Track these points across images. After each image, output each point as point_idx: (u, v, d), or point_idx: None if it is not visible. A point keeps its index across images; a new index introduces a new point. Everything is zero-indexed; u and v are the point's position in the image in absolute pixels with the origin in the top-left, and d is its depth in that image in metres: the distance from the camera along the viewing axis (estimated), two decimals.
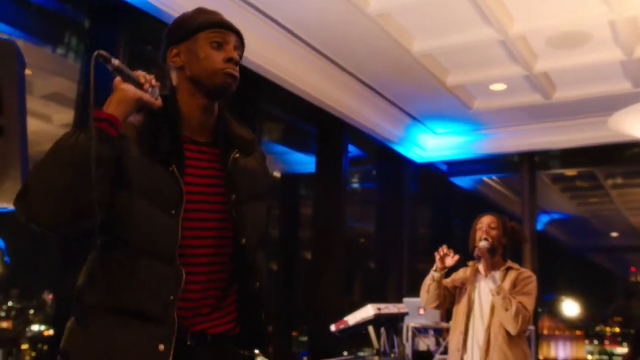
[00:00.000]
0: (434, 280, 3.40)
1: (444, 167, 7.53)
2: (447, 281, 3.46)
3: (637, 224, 11.15)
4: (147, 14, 3.87)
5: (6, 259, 2.00)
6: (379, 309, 3.52)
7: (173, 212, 1.51)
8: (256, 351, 1.82)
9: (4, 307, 7.23)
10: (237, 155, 1.67)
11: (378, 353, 3.42)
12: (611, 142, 6.02)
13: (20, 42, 1.99)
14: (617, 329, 12.39)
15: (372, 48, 4.90)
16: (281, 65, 4.76)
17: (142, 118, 1.55)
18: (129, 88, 1.48)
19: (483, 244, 3.42)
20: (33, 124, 4.83)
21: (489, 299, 3.37)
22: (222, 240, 1.63)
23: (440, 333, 5.35)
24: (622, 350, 11.27)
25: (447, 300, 3.53)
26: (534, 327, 5.40)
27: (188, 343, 1.53)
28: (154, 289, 1.48)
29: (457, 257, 3.42)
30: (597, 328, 11.17)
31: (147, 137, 1.52)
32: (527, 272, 3.49)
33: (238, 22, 1.72)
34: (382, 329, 4.56)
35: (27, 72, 1.90)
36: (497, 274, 3.40)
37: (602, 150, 6.54)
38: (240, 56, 1.66)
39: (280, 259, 6.94)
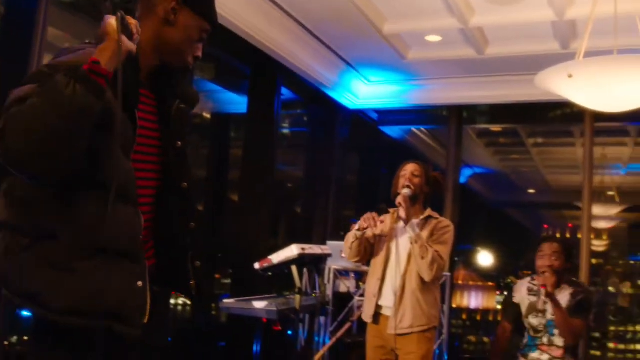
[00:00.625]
0: (356, 238, 3.48)
1: (374, 116, 7.58)
2: (368, 232, 3.54)
3: (552, 182, 11.69)
4: None
5: None
6: (303, 249, 3.56)
7: (130, 155, 1.59)
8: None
9: None
10: (183, 106, 1.79)
11: (300, 292, 3.48)
12: (536, 101, 6.21)
13: None
14: None
15: None
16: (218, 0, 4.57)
17: None
18: (125, 42, 1.48)
19: (405, 191, 3.49)
20: None
21: (407, 247, 3.47)
22: (157, 182, 1.74)
23: (361, 277, 5.49)
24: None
25: (369, 253, 3.62)
26: (450, 274, 5.63)
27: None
28: (129, 230, 1.56)
29: (380, 227, 3.51)
30: (508, 280, 11.77)
31: (115, 80, 1.52)
32: (445, 221, 3.60)
33: None
34: (305, 270, 4.63)
35: None
36: (417, 222, 3.50)
37: (527, 108, 6.75)
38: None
39: (207, 200, 6.86)
